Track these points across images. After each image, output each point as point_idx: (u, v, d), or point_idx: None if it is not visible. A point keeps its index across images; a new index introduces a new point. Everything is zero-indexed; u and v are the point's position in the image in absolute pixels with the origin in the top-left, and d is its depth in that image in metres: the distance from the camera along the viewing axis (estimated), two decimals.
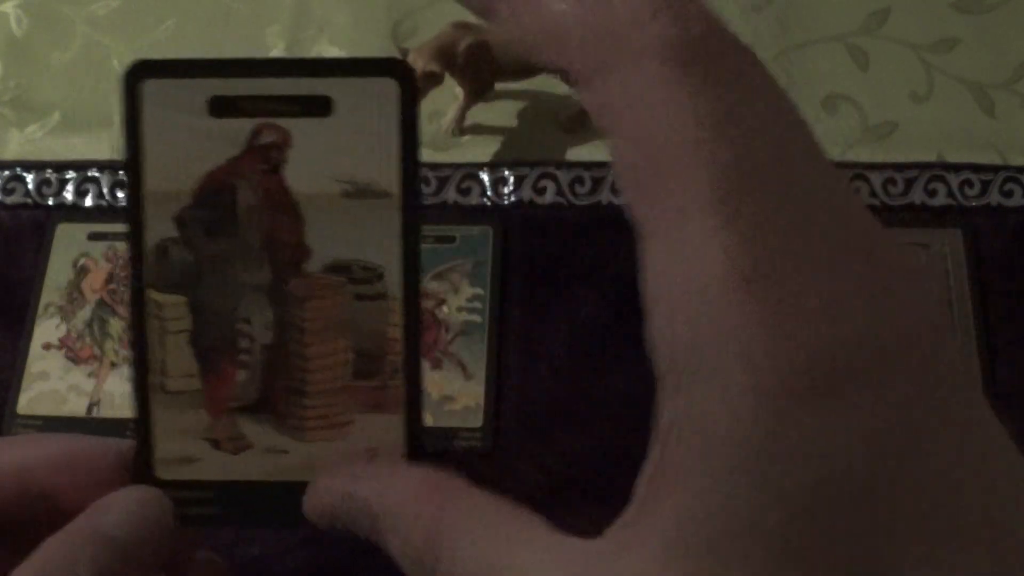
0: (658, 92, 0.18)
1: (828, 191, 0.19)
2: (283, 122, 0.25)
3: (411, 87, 0.25)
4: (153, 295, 0.26)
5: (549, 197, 0.52)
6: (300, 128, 0.25)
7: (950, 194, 0.52)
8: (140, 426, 0.26)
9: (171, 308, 0.26)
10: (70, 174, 0.55)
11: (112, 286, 0.52)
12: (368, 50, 0.59)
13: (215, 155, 0.25)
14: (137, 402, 0.26)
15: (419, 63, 0.49)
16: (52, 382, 0.50)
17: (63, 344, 0.51)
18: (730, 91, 0.18)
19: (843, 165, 0.53)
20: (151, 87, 0.25)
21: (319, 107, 0.25)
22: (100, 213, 0.54)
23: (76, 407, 0.50)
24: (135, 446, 0.26)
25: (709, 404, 0.18)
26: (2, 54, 0.60)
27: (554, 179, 0.53)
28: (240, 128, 0.25)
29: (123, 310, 0.52)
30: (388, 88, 0.25)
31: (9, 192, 0.55)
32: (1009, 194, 0.52)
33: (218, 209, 0.25)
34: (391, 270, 0.25)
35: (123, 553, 0.23)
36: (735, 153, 0.18)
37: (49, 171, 0.56)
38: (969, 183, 0.52)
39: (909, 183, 0.52)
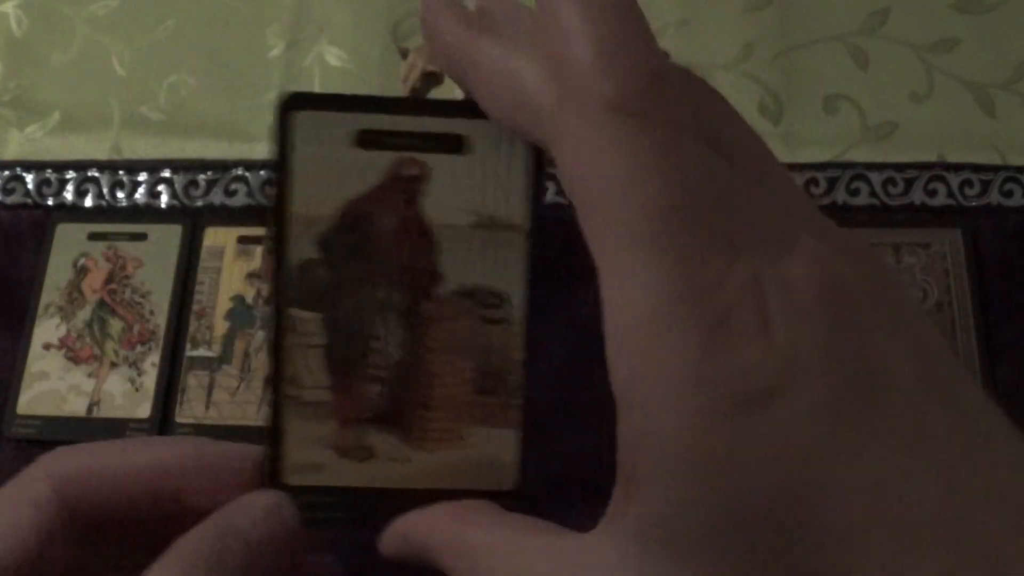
0: (599, 140, 0.20)
1: (766, 211, 0.21)
2: (423, 157, 0.26)
3: None
4: (292, 311, 0.27)
5: (549, 197, 0.52)
6: (438, 163, 0.26)
7: (950, 194, 0.52)
8: (272, 433, 0.27)
9: (308, 324, 0.27)
10: (70, 174, 0.55)
11: (112, 286, 0.52)
12: (368, 50, 0.59)
13: (358, 184, 0.27)
14: (271, 411, 0.27)
15: (419, 63, 0.49)
16: (52, 382, 0.50)
17: (63, 344, 0.51)
18: (667, 135, 0.20)
19: (843, 165, 0.53)
20: (302, 118, 0.26)
21: (457, 145, 0.26)
22: (100, 213, 0.54)
23: (76, 407, 0.50)
24: (265, 452, 0.27)
25: (653, 424, 0.20)
26: (2, 54, 0.60)
27: (554, 179, 0.53)
28: (383, 160, 0.26)
29: (123, 310, 0.52)
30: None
31: (9, 192, 0.55)
32: (1009, 194, 0.52)
33: (358, 234, 0.27)
34: (515, 296, 0.28)
35: (256, 552, 0.24)
36: (663, 193, 0.20)
37: (49, 171, 0.56)
38: (969, 183, 0.52)
39: (909, 183, 0.52)
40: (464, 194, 0.27)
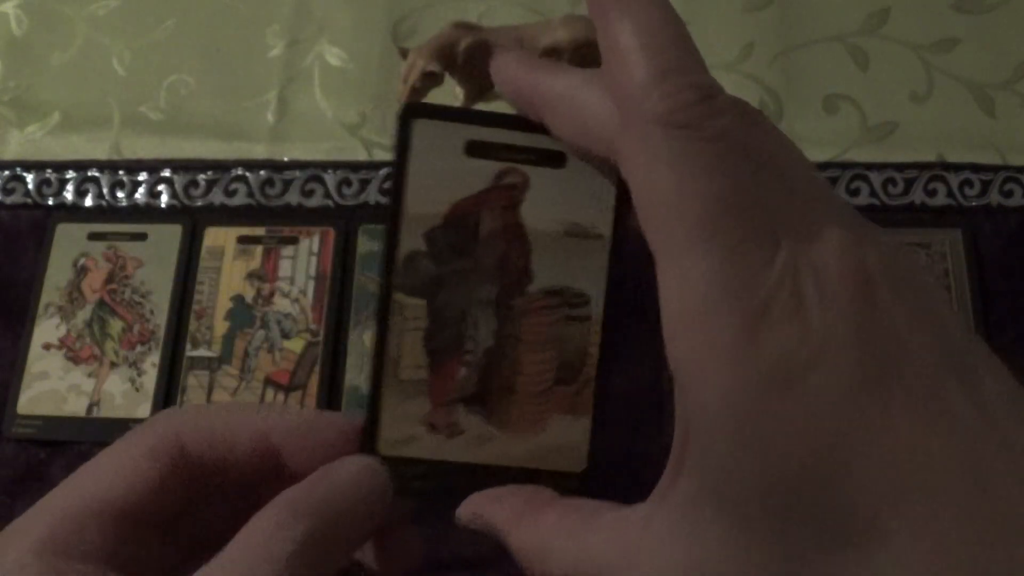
0: (653, 152, 0.24)
1: (802, 210, 0.24)
2: (525, 168, 0.30)
3: None
4: (398, 297, 0.31)
5: None
6: (537, 175, 0.30)
7: (950, 194, 0.52)
8: (371, 407, 0.30)
9: (412, 309, 0.31)
10: (70, 174, 0.55)
11: (112, 286, 0.52)
12: (368, 50, 0.59)
13: (465, 188, 0.30)
14: (372, 386, 0.30)
15: (419, 63, 0.49)
16: (52, 382, 0.50)
17: (63, 344, 0.51)
18: (713, 146, 0.23)
19: (843, 165, 0.53)
20: (420, 125, 0.30)
21: (555, 160, 0.30)
22: (100, 213, 0.54)
23: (76, 407, 0.50)
24: (364, 424, 0.30)
25: (703, 397, 0.23)
26: (2, 54, 0.60)
27: None
28: (489, 168, 0.30)
29: (123, 310, 0.52)
30: None
31: (9, 192, 0.55)
32: (1009, 194, 0.52)
33: (462, 232, 0.30)
34: (596, 297, 0.31)
35: (350, 508, 0.27)
36: (714, 197, 0.23)
37: (49, 171, 0.56)
38: (969, 183, 0.52)
39: (909, 183, 0.52)
40: (558, 204, 0.31)
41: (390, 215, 0.30)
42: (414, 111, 0.30)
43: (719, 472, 0.23)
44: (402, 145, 0.30)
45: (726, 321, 0.22)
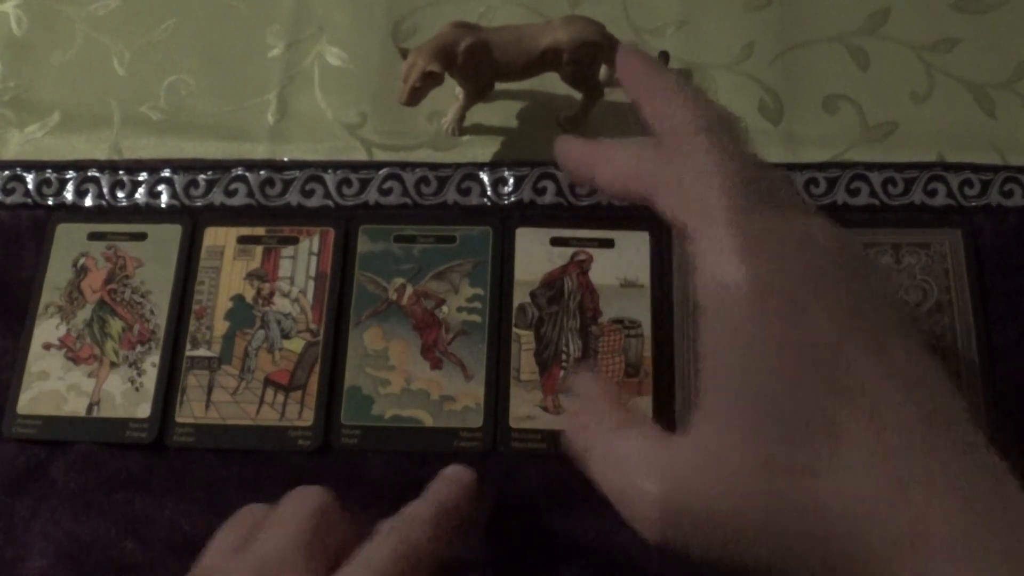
0: (703, 148, 0.34)
1: (786, 192, 0.35)
2: (589, 249, 0.50)
3: (659, 234, 0.50)
4: (515, 330, 0.49)
5: (549, 197, 0.52)
6: (597, 253, 0.50)
7: (950, 194, 0.52)
8: (504, 400, 0.47)
9: (525, 337, 0.49)
10: (70, 174, 0.55)
11: (112, 286, 0.52)
12: (368, 50, 0.59)
13: (553, 264, 0.50)
14: (504, 387, 0.48)
15: (419, 63, 0.49)
16: (52, 382, 0.50)
17: (63, 344, 0.51)
18: (728, 143, 0.34)
19: (843, 165, 0.53)
20: (521, 232, 0.50)
21: (608, 243, 0.50)
22: (100, 213, 0.54)
23: (76, 407, 0.50)
24: (498, 410, 0.47)
25: (713, 337, 0.32)
26: (2, 54, 0.60)
27: (554, 179, 0.53)
28: (566, 251, 0.50)
29: (123, 310, 0.52)
30: (644, 236, 0.51)
31: (9, 192, 0.55)
32: (1009, 194, 0.52)
33: (553, 289, 0.49)
34: (645, 322, 0.49)
35: (447, 508, 0.40)
36: (733, 171, 0.33)
37: (49, 171, 0.56)
38: (969, 183, 0.52)
39: (909, 183, 0.52)
40: (612, 269, 0.49)
41: (504, 285, 0.49)
42: (516, 222, 0.50)
43: (730, 394, 0.31)
44: (510, 243, 0.50)
45: (740, 270, 0.31)
